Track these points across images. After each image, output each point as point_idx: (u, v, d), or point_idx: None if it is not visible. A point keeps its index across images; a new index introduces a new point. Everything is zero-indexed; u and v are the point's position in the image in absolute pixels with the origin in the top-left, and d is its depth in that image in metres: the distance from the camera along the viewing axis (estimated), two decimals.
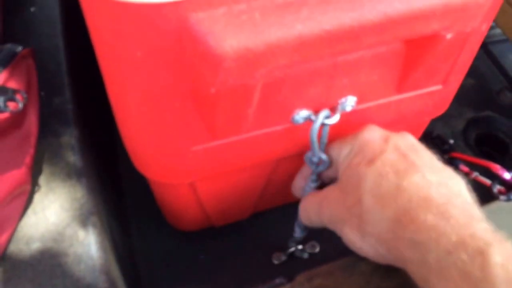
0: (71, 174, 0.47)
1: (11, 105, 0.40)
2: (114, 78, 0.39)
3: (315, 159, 0.47)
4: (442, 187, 0.38)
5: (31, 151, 0.44)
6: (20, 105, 0.40)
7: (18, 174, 0.42)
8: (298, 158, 0.49)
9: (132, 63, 0.35)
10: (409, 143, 0.43)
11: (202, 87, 0.36)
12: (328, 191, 0.45)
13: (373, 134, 0.44)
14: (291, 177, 0.55)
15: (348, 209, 0.41)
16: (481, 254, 0.32)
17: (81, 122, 0.52)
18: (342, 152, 0.45)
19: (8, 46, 0.44)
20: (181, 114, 0.40)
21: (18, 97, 0.40)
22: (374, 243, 0.39)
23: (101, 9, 0.32)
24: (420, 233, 0.36)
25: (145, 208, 0.67)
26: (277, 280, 0.45)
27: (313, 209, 0.46)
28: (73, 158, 0.48)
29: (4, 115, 0.40)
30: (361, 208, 0.40)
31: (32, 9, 0.58)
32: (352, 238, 0.41)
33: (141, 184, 0.60)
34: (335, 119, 0.44)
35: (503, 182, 0.62)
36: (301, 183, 0.52)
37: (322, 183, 0.50)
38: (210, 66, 0.33)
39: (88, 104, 0.60)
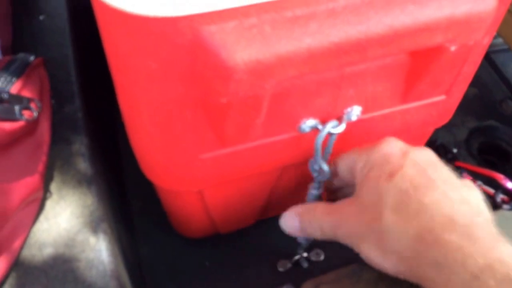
0: (81, 181, 0.48)
1: (26, 113, 0.41)
2: (127, 88, 0.40)
3: (316, 167, 0.48)
4: (464, 205, 0.37)
5: (44, 158, 0.45)
6: (35, 114, 0.41)
7: (32, 181, 0.43)
8: (303, 166, 0.50)
9: (146, 74, 0.36)
10: (428, 158, 0.42)
11: (213, 97, 0.37)
12: (344, 204, 0.43)
13: (391, 147, 0.42)
14: (296, 185, 0.55)
15: (367, 224, 0.40)
16: (510, 281, 0.32)
17: (90, 130, 0.53)
18: (357, 164, 0.44)
19: (21, 55, 0.45)
20: (191, 123, 0.40)
21: (33, 105, 0.41)
22: (395, 261, 0.39)
23: (117, 22, 0.33)
24: (444, 253, 0.35)
25: (150, 215, 0.68)
26: (285, 287, 0.45)
27: (327, 223, 0.44)
28: (83, 165, 0.49)
29: (20, 124, 0.41)
30: (381, 224, 0.39)
31: (41, 18, 0.59)
32: (371, 255, 0.40)
33: (146, 192, 0.61)
34: (341, 128, 0.45)
35: (506, 191, 0.63)
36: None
37: (331, 193, 0.51)
38: (221, 77, 0.34)
39: (96, 112, 0.61)
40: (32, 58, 0.45)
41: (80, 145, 0.49)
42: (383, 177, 0.40)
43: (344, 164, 0.46)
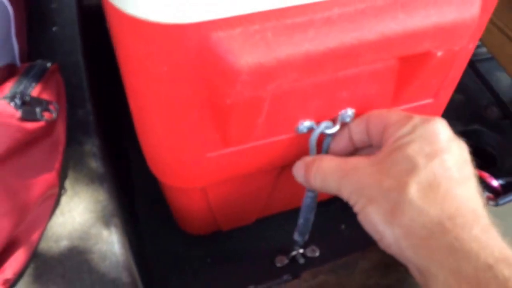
0: (94, 179, 0.51)
1: (46, 114, 0.44)
2: (138, 90, 0.42)
3: None
4: (484, 206, 0.38)
5: (60, 157, 0.48)
6: (54, 115, 0.44)
7: (49, 177, 0.46)
8: None
9: (157, 77, 0.39)
10: (465, 153, 0.41)
11: (219, 99, 0.40)
12: (360, 163, 0.42)
13: (440, 128, 0.41)
14: (293, 185, 0.58)
15: (384, 190, 0.39)
16: None
17: (101, 132, 0.56)
18: (396, 129, 0.42)
19: (39, 62, 0.48)
20: (198, 124, 0.43)
21: (51, 107, 0.45)
22: (399, 234, 0.38)
23: (131, 28, 0.36)
24: (461, 241, 0.35)
25: (156, 213, 0.71)
26: (285, 277, 0.48)
27: (335, 175, 0.43)
28: (95, 165, 0.52)
29: (40, 124, 0.44)
30: (402, 196, 0.38)
31: (54, 29, 0.62)
32: (376, 220, 0.39)
33: (152, 190, 0.64)
34: (335, 129, 0.48)
35: (491, 189, 0.66)
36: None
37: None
38: (227, 80, 0.37)
39: (105, 115, 0.64)
40: (49, 64, 0.48)
41: (92, 146, 0.53)
42: (421, 154, 0.39)
43: (377, 123, 0.45)
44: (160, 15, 0.34)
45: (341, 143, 0.49)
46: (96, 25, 0.61)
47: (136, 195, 0.73)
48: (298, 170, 0.48)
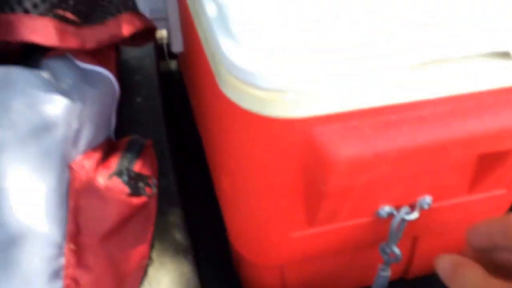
0: (178, 250, 0.53)
1: (147, 189, 0.47)
2: (237, 172, 0.45)
3: (388, 250, 0.52)
4: None
5: (151, 228, 0.50)
6: (154, 190, 0.47)
7: (143, 249, 0.48)
8: (374, 248, 0.54)
9: (259, 163, 0.42)
10: None
11: (314, 185, 0.42)
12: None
13: None
14: (365, 264, 0.59)
15: None
16: None
17: (183, 203, 0.58)
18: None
19: (136, 137, 0.51)
20: (288, 205, 0.45)
21: (151, 182, 0.47)
22: None
23: (242, 119, 0.39)
24: None
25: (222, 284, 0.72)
26: None
27: None
28: (179, 236, 0.54)
29: (143, 199, 0.47)
30: None
31: (138, 100, 0.66)
32: None
33: (217, 262, 0.66)
34: (414, 215, 0.49)
35: None
36: None
37: None
38: (325, 169, 0.39)
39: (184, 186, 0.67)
40: (144, 140, 0.51)
41: (176, 217, 0.55)
42: None
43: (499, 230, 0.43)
44: (273, 111, 0.37)
45: (479, 240, 0.48)
46: (179, 96, 0.64)
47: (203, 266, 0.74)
48: (445, 268, 0.46)
